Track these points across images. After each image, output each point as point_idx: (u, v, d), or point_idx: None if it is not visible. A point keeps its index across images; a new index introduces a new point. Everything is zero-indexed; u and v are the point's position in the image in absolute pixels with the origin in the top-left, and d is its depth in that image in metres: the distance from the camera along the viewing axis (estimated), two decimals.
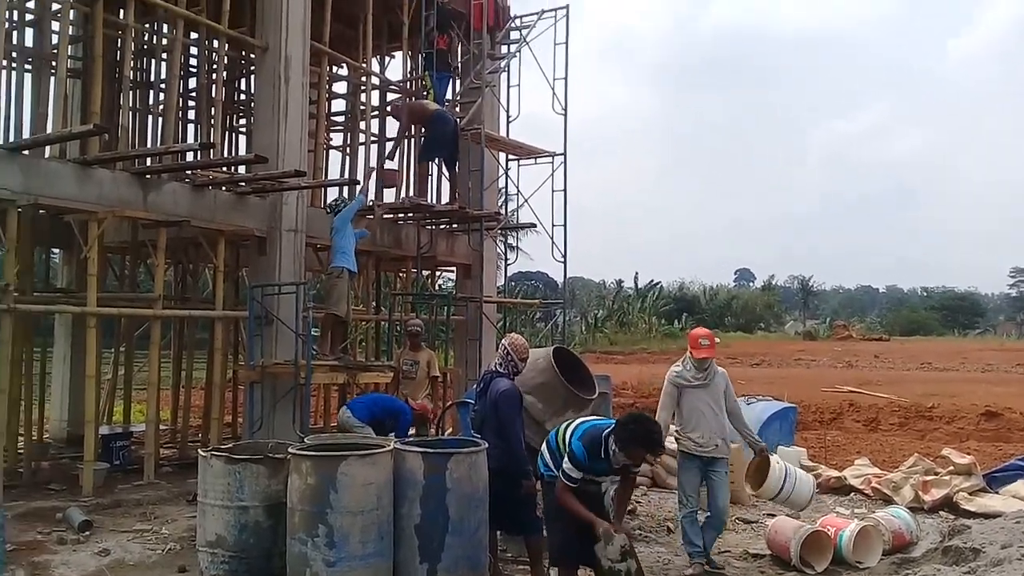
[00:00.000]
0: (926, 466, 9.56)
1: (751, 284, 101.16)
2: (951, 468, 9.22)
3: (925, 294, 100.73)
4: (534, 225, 13.51)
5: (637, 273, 66.14)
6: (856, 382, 22.91)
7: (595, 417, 5.67)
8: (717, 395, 6.68)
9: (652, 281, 63.90)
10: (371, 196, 11.91)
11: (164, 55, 12.06)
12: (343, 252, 9.84)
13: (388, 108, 13.13)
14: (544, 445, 5.52)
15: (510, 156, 13.99)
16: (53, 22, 10.47)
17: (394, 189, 12.91)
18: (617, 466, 5.13)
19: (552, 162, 13.46)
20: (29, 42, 10.82)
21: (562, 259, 13.26)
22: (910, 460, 9.91)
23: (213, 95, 10.88)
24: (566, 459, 5.16)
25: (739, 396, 8.00)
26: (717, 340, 7.28)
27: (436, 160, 12.62)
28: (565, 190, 13.32)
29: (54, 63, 9.19)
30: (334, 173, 13.91)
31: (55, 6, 9.52)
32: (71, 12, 9.44)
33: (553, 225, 13.25)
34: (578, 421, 5.44)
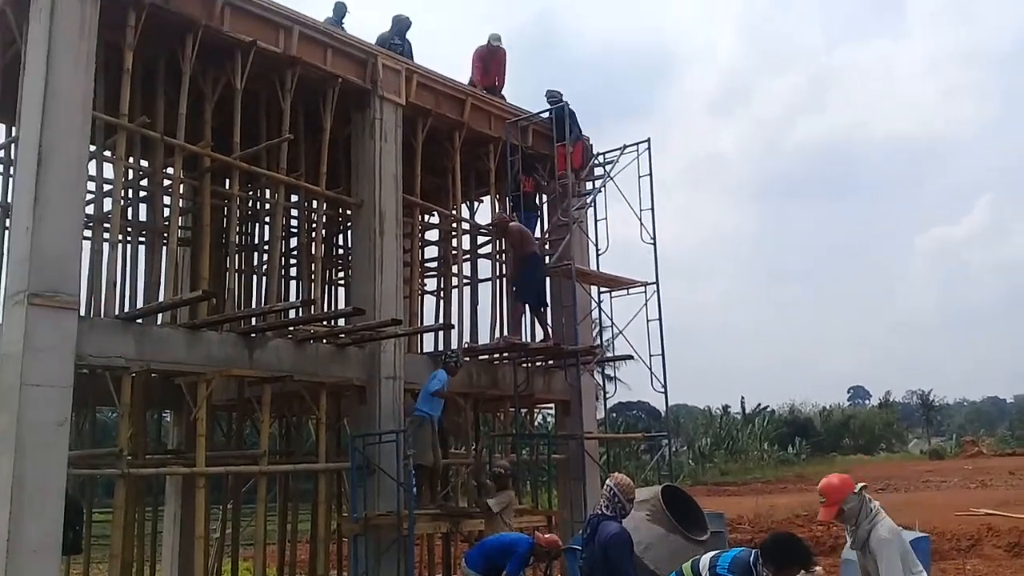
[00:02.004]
0: None
1: (866, 402, 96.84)
2: None
3: None
4: (631, 357, 13.39)
5: (743, 397, 64.19)
6: (993, 503, 21.32)
7: (720, 550, 5.46)
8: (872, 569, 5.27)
9: (760, 405, 61.93)
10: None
11: (267, 219, 12.75)
12: (423, 399, 10.01)
13: (494, 220, 13.34)
14: None
15: (602, 288, 14.04)
16: (165, 197, 11.25)
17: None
18: None
19: (645, 291, 13.40)
20: (143, 216, 11.64)
21: (662, 389, 13.04)
22: None
23: (313, 252, 11.39)
24: None
25: None
26: (844, 492, 5.37)
27: (527, 303, 12.76)
28: (660, 319, 13.17)
29: (165, 234, 9.80)
30: (429, 318, 14.21)
31: (166, 182, 10.26)
32: (181, 186, 10.14)
33: (651, 355, 13.06)
34: (710, 555, 5.27)
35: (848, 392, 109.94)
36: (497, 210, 14.37)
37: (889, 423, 72.85)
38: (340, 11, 12.88)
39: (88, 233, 9.21)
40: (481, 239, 14.35)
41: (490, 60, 14.00)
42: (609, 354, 14.83)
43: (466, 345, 12.43)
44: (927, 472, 37.88)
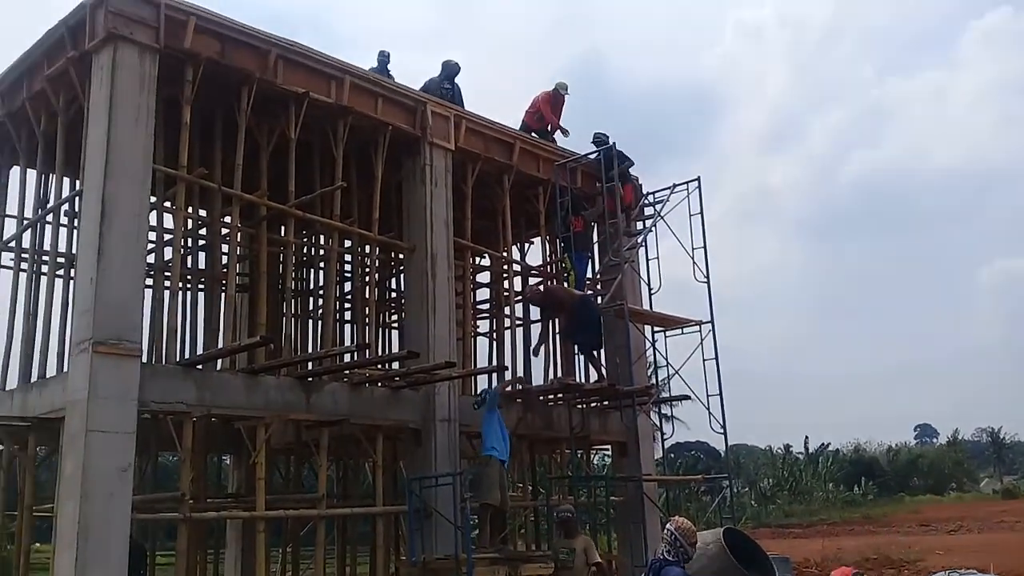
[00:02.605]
0: None
1: (934, 440, 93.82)
2: None
3: None
4: (688, 397, 13.18)
5: (807, 437, 62.57)
6: None
7: None
8: None
9: (823, 444, 60.43)
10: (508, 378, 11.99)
11: (321, 264, 12.94)
12: (490, 441, 9.93)
13: (525, 293, 13.43)
14: None
15: (656, 328, 13.91)
16: (223, 245, 11.51)
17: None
18: None
19: (700, 330, 13.23)
20: (201, 264, 11.91)
21: (722, 429, 12.82)
22: None
23: (367, 296, 11.54)
24: None
25: (941, 570, 7.24)
26: None
27: (580, 344, 12.69)
28: (716, 357, 12.95)
29: (224, 281, 10.02)
30: (482, 360, 14.23)
31: (224, 231, 10.52)
32: (238, 235, 10.36)
33: (708, 395, 12.87)
34: None
35: (914, 430, 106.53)
36: (548, 251, 14.41)
37: (959, 462, 70.43)
38: (383, 59, 13.14)
39: (150, 281, 9.44)
40: (532, 279, 14.37)
41: (556, 105, 14.23)
42: (665, 394, 14.60)
43: (519, 386, 12.38)
44: (1001, 512, 36.45)
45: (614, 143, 13.73)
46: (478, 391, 11.15)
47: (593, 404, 13.30)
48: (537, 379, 13.26)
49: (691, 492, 34.26)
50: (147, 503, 9.45)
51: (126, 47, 8.64)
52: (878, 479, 54.22)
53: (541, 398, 12.74)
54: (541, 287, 12.81)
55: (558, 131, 14.27)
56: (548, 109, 14.10)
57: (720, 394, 12.87)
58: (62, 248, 10.02)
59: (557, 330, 13.44)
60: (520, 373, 12.86)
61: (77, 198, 9.42)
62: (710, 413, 12.80)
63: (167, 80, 9.07)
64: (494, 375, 12.57)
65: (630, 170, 14.21)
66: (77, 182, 9.79)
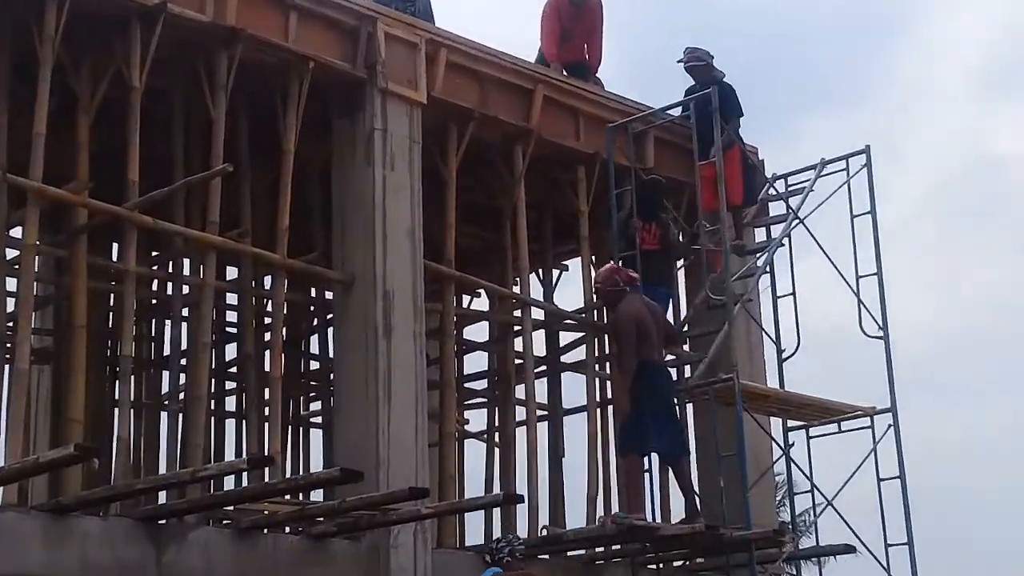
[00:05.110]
0: None
1: None
2: None
3: None
4: (853, 549, 13.00)
5: None
6: None
7: None
8: None
9: None
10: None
11: (185, 311, 12.71)
12: None
13: (598, 280, 13.14)
14: None
15: (791, 421, 13.74)
16: (6, 278, 11.33)
17: None
18: None
19: (871, 424, 13.16)
20: None
21: None
22: None
23: (267, 369, 11.35)
24: None
25: None
26: None
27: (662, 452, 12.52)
28: (903, 474, 12.86)
29: (8, 344, 9.77)
30: (476, 482, 14.13)
31: (10, 252, 10.33)
32: (35, 259, 10.19)
33: (887, 544, 12.70)
34: None
35: None
36: (593, 277, 14.21)
37: None
38: None
39: None
40: (568, 336, 14.25)
41: (574, 21, 14.19)
42: (809, 543, 14.43)
43: (544, 532, 12.20)
44: None
45: (723, 78, 13.69)
46: (502, 539, 10.97)
47: (677, 561, 13.22)
48: (576, 517, 13.11)
49: None
50: None
51: None
52: None
53: (583, 552, 12.57)
54: (630, 283, 12.48)
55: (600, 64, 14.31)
56: (559, 31, 14.05)
57: (910, 541, 12.77)
58: None
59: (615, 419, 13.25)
60: (545, 507, 12.68)
61: None
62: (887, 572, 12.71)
63: None
64: (496, 513, 12.35)
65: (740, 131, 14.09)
66: None
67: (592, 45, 14.23)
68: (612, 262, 12.96)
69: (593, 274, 13.81)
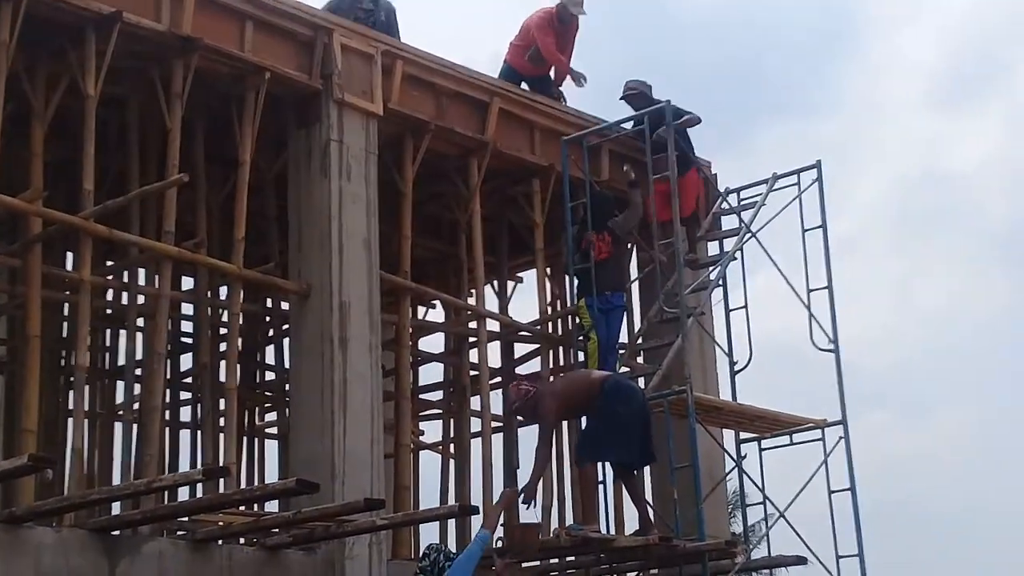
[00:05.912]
0: None
1: None
2: None
3: None
4: (804, 560, 13.05)
5: None
6: None
7: None
8: None
9: None
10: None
11: (140, 321, 12.70)
12: None
13: (508, 395, 13.26)
14: None
15: (743, 433, 13.81)
16: None
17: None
18: None
19: (822, 436, 13.21)
20: None
21: None
22: None
23: (223, 380, 11.36)
24: None
25: None
26: None
27: (612, 463, 12.50)
28: (853, 486, 12.92)
29: None
30: (431, 492, 14.16)
31: None
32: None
33: (838, 556, 12.79)
34: None
35: None
36: (549, 294, 14.25)
37: None
38: None
39: None
40: (523, 347, 14.30)
41: (558, 37, 14.29)
42: (761, 554, 14.47)
43: (498, 543, 12.19)
44: None
45: (668, 101, 13.57)
46: (421, 552, 10.94)
47: (632, 573, 13.23)
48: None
49: None
50: None
51: None
52: None
53: (538, 564, 12.54)
54: (527, 383, 12.50)
55: (567, 78, 14.35)
56: (547, 39, 14.11)
57: (860, 553, 12.87)
58: None
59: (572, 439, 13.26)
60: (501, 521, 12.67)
61: None
62: None
63: None
64: (451, 524, 12.34)
65: (694, 145, 14.18)
66: None
67: (557, 61, 14.26)
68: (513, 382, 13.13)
69: (548, 287, 13.89)
